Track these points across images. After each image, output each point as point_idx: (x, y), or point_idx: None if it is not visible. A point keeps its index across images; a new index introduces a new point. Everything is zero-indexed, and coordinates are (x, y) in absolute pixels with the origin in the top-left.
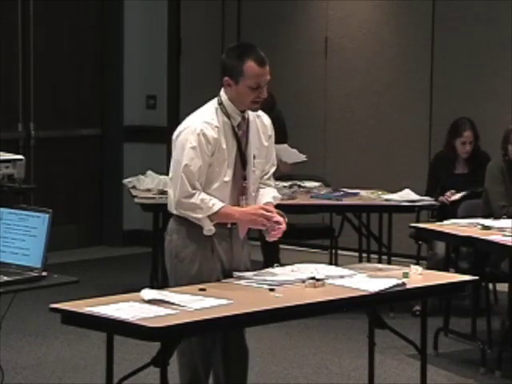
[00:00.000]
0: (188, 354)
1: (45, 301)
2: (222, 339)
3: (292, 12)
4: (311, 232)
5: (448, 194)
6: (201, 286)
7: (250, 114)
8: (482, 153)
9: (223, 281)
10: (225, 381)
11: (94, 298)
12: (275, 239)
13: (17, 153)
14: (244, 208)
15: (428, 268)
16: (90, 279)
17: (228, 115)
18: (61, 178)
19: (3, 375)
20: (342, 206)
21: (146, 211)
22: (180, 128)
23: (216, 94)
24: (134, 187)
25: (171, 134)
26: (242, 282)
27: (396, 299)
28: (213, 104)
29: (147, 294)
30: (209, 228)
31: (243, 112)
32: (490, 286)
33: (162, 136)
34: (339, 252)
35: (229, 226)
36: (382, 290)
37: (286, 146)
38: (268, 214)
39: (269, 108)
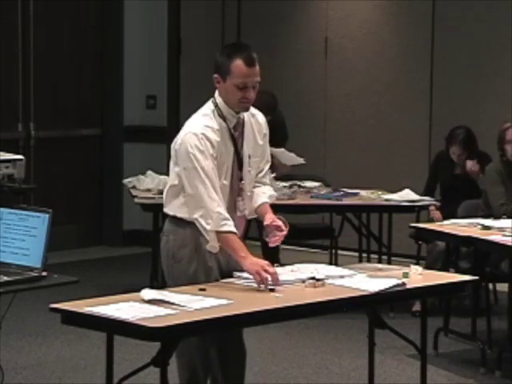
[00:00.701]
0: (187, 355)
1: (45, 301)
2: (219, 339)
3: (292, 12)
4: (311, 232)
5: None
6: (201, 286)
7: (245, 114)
8: (482, 153)
9: (223, 281)
10: (223, 381)
11: (94, 298)
12: (276, 244)
13: (17, 153)
14: (253, 257)
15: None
16: (89, 279)
17: (224, 118)
18: (61, 177)
19: (3, 375)
20: (342, 205)
21: (146, 211)
22: (181, 135)
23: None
24: (134, 187)
25: (171, 134)
26: (242, 281)
27: (396, 299)
28: (208, 107)
29: (147, 294)
30: (211, 245)
31: (238, 113)
32: (490, 286)
33: (162, 136)
34: (339, 252)
35: None
36: (382, 290)
37: (283, 150)
38: (264, 275)
39: (271, 109)
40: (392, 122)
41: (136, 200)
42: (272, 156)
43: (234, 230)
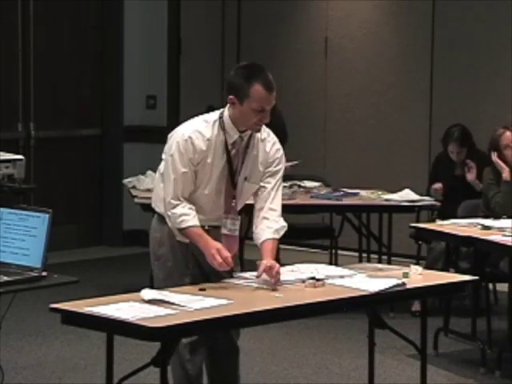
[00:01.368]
0: (175, 354)
1: (45, 301)
2: (209, 340)
3: (292, 12)
4: (311, 232)
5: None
6: (201, 286)
7: (257, 135)
8: (481, 154)
9: (223, 281)
10: (216, 378)
11: (94, 298)
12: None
13: (17, 153)
14: (212, 242)
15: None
16: (90, 279)
17: (224, 131)
18: (61, 178)
19: (3, 375)
20: (342, 206)
21: (146, 211)
22: (177, 128)
23: (215, 95)
24: (134, 187)
25: None
26: (242, 281)
27: (396, 299)
28: (213, 115)
29: (147, 294)
30: (180, 237)
31: (242, 132)
32: (490, 285)
33: (162, 136)
34: (339, 252)
35: (206, 227)
36: (382, 290)
37: None
38: (218, 258)
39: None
40: (392, 122)
41: (136, 200)
42: None
43: (191, 223)
